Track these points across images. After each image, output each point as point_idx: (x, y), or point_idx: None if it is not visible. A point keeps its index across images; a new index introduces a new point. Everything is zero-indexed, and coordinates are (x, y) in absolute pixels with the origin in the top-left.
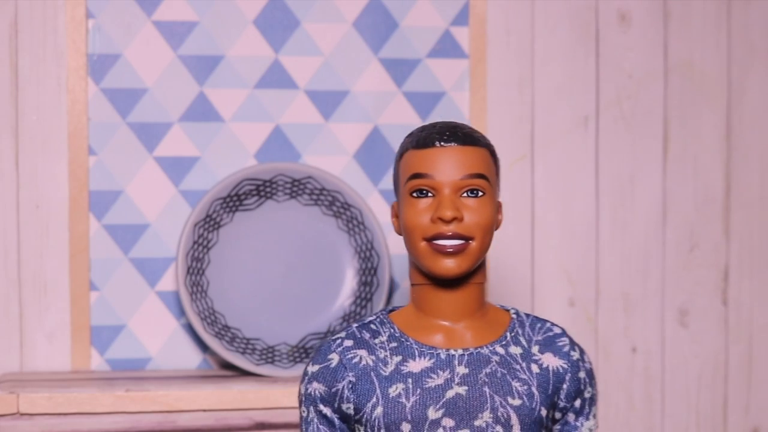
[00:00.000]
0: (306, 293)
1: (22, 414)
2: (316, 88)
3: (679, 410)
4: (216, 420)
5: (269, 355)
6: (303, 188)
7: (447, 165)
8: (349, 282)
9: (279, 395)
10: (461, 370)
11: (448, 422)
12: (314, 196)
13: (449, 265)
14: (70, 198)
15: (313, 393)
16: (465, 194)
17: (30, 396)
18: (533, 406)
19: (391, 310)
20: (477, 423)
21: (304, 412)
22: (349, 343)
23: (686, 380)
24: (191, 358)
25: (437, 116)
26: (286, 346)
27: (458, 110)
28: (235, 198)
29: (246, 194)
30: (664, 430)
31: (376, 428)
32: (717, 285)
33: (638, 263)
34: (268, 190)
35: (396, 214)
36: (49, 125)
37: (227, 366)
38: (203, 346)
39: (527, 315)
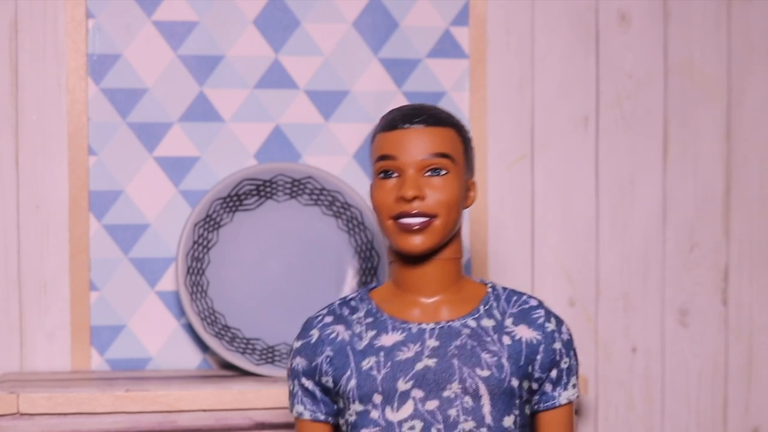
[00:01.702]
0: (306, 293)
1: (22, 414)
2: (316, 88)
3: (679, 410)
4: (216, 420)
5: (269, 355)
6: (303, 188)
7: (410, 146)
8: (349, 282)
9: (279, 395)
10: (431, 343)
11: (418, 393)
12: (314, 196)
13: (415, 242)
14: (70, 198)
15: (296, 367)
16: (428, 173)
17: (30, 396)
18: (502, 376)
19: (373, 288)
20: (446, 394)
21: (290, 385)
22: (329, 319)
23: (686, 380)
24: (191, 358)
25: None
26: (286, 346)
27: (458, 110)
28: (235, 198)
29: (246, 194)
30: (664, 430)
31: (350, 400)
32: (717, 285)
33: (638, 263)
34: (268, 190)
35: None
36: (49, 125)
37: (227, 366)
38: (203, 346)
39: (504, 288)
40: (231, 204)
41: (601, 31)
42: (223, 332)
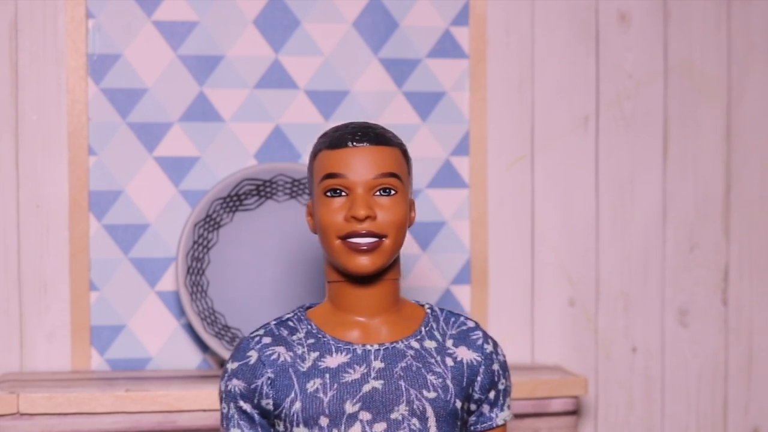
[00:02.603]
0: (306, 293)
1: (22, 414)
2: (316, 88)
3: (679, 410)
4: (216, 420)
5: None
6: (303, 188)
7: (360, 164)
8: None
9: None
10: (377, 364)
11: (365, 416)
12: None
13: (363, 263)
14: (70, 198)
15: (233, 390)
16: (378, 193)
17: (30, 396)
18: (448, 398)
19: (308, 307)
20: (393, 416)
21: (224, 408)
22: (267, 340)
23: (686, 380)
24: (191, 358)
25: (437, 116)
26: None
27: (458, 110)
28: (235, 198)
29: (246, 194)
30: (664, 430)
31: (294, 423)
32: (717, 285)
33: (638, 263)
34: (268, 190)
35: (311, 213)
36: (49, 125)
37: None
38: (203, 346)
39: (441, 310)
40: (231, 204)
41: (601, 31)
42: (223, 332)
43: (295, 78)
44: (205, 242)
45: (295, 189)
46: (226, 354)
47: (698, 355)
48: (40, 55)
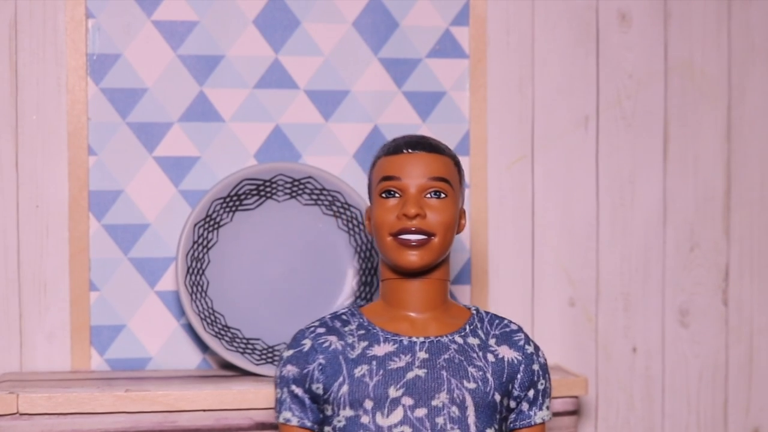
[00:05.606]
0: (306, 293)
1: (22, 414)
2: (316, 88)
3: (679, 410)
4: (216, 420)
5: (269, 355)
6: (303, 188)
7: (413, 168)
8: (349, 282)
9: None
10: (422, 355)
11: (408, 401)
12: (314, 196)
13: (412, 258)
14: (70, 198)
15: (287, 375)
16: (429, 195)
17: (30, 396)
18: (487, 390)
19: (361, 305)
20: (434, 403)
21: (278, 393)
22: (321, 330)
23: (686, 380)
24: (191, 358)
25: (437, 116)
26: (285, 346)
27: (458, 110)
28: (235, 198)
29: (246, 194)
30: (664, 430)
31: (341, 405)
32: (717, 285)
33: (638, 263)
34: (268, 190)
35: (369, 217)
36: (49, 125)
37: (227, 366)
38: (203, 346)
39: (486, 312)
40: (231, 204)
41: (601, 31)
42: (222, 332)
43: (295, 78)
44: (204, 242)
45: (295, 189)
46: (225, 354)
47: (698, 355)
48: (39, 55)
